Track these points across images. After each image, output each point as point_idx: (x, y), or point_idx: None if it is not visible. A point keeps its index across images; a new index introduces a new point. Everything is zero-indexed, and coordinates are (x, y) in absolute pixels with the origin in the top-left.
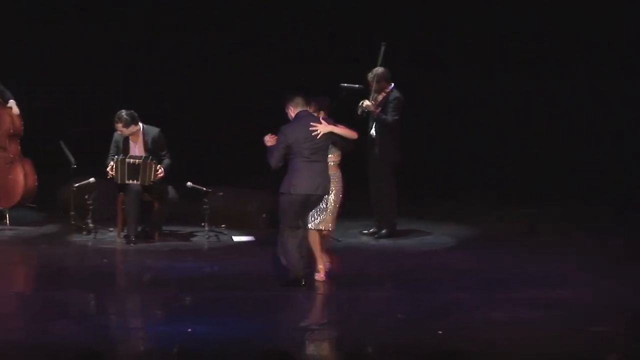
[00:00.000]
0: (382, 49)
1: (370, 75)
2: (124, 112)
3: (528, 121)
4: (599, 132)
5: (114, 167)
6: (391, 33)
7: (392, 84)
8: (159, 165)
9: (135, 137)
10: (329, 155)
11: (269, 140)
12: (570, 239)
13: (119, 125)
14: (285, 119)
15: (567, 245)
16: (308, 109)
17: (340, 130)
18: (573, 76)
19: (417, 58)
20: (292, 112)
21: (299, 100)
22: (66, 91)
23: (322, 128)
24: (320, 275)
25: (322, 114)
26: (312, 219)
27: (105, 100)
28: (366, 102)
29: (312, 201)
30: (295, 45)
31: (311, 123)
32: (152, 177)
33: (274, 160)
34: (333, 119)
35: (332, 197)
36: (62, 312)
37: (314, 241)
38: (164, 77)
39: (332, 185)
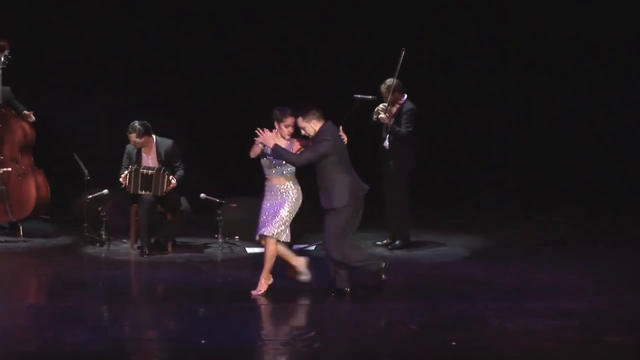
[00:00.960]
0: (402, 54)
1: (383, 87)
2: (137, 123)
3: (541, 129)
4: (617, 139)
5: (127, 177)
6: (405, 40)
7: (405, 95)
8: (171, 176)
9: (148, 149)
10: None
11: (266, 137)
12: (585, 248)
13: (133, 136)
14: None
15: (582, 255)
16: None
17: None
18: (597, 80)
19: (429, 65)
20: (314, 126)
21: (317, 112)
22: (78, 102)
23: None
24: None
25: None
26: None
27: (119, 112)
28: (381, 115)
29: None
30: (309, 54)
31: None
32: (165, 188)
33: (305, 161)
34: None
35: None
36: (76, 323)
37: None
38: (176, 88)
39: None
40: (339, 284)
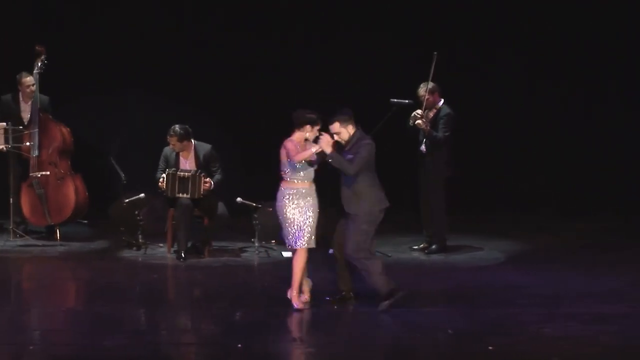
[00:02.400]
0: (435, 58)
1: (421, 90)
2: (178, 127)
3: (580, 135)
4: None
5: (165, 180)
6: (438, 44)
7: (442, 100)
8: (207, 178)
9: (187, 153)
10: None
11: (327, 142)
12: (622, 253)
13: (173, 139)
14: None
15: (618, 259)
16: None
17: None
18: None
19: (464, 69)
20: (350, 131)
21: (352, 117)
22: (114, 106)
23: None
24: (305, 297)
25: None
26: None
27: (155, 115)
28: (418, 121)
29: None
30: (343, 59)
31: None
32: (201, 189)
33: (358, 168)
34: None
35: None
36: (114, 327)
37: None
38: (212, 91)
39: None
40: (341, 285)
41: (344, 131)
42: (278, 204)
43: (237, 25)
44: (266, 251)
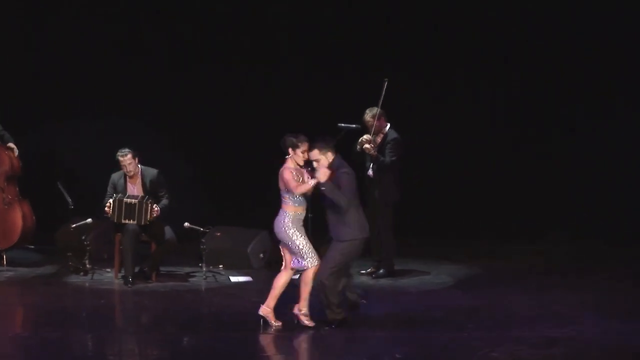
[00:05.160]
0: (385, 85)
1: (367, 115)
2: (126, 148)
3: (525, 158)
4: (602, 167)
5: (112, 206)
6: (388, 70)
7: (389, 124)
8: (154, 205)
9: (134, 179)
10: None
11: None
12: (569, 276)
13: (128, 157)
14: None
15: (567, 283)
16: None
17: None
18: (582, 110)
19: (412, 94)
20: (329, 158)
21: (332, 144)
22: (62, 131)
23: None
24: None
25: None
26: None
27: (102, 141)
28: (366, 145)
29: None
30: (292, 84)
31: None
32: (148, 216)
33: (348, 199)
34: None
35: None
36: (60, 353)
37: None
38: (161, 116)
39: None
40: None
41: (323, 158)
42: (282, 228)
43: (185, 50)
44: (214, 276)
